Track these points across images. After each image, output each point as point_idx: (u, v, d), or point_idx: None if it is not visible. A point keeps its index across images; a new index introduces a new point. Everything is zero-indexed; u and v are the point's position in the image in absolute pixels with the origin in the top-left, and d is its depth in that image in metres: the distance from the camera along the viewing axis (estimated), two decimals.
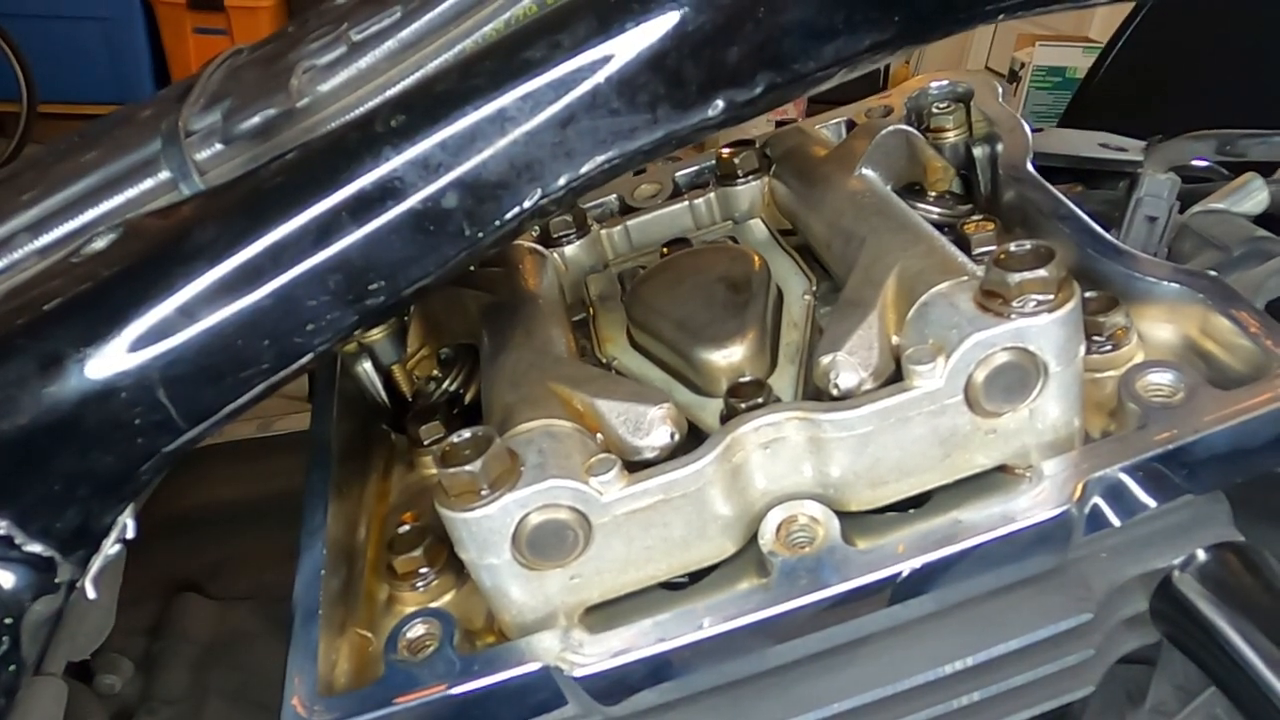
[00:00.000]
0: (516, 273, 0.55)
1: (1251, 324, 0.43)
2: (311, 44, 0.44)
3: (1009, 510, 0.39)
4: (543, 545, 0.38)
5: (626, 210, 0.63)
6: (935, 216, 0.54)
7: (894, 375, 0.40)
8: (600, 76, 0.36)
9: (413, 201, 0.36)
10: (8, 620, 0.37)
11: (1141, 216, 0.58)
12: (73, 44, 3.13)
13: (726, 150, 0.60)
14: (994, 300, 0.37)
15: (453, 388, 0.56)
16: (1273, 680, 0.40)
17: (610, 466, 0.38)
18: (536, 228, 0.59)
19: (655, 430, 0.41)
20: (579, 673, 0.39)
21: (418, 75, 0.40)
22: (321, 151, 0.38)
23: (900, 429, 0.38)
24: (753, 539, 0.40)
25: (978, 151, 0.53)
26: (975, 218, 0.52)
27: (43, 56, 2.98)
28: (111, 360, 0.36)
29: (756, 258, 0.51)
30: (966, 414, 0.38)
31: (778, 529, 0.40)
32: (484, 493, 0.38)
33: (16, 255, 0.42)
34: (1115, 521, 0.41)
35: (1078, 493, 0.39)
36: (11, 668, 0.38)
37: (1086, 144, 0.79)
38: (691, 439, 0.41)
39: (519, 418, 0.41)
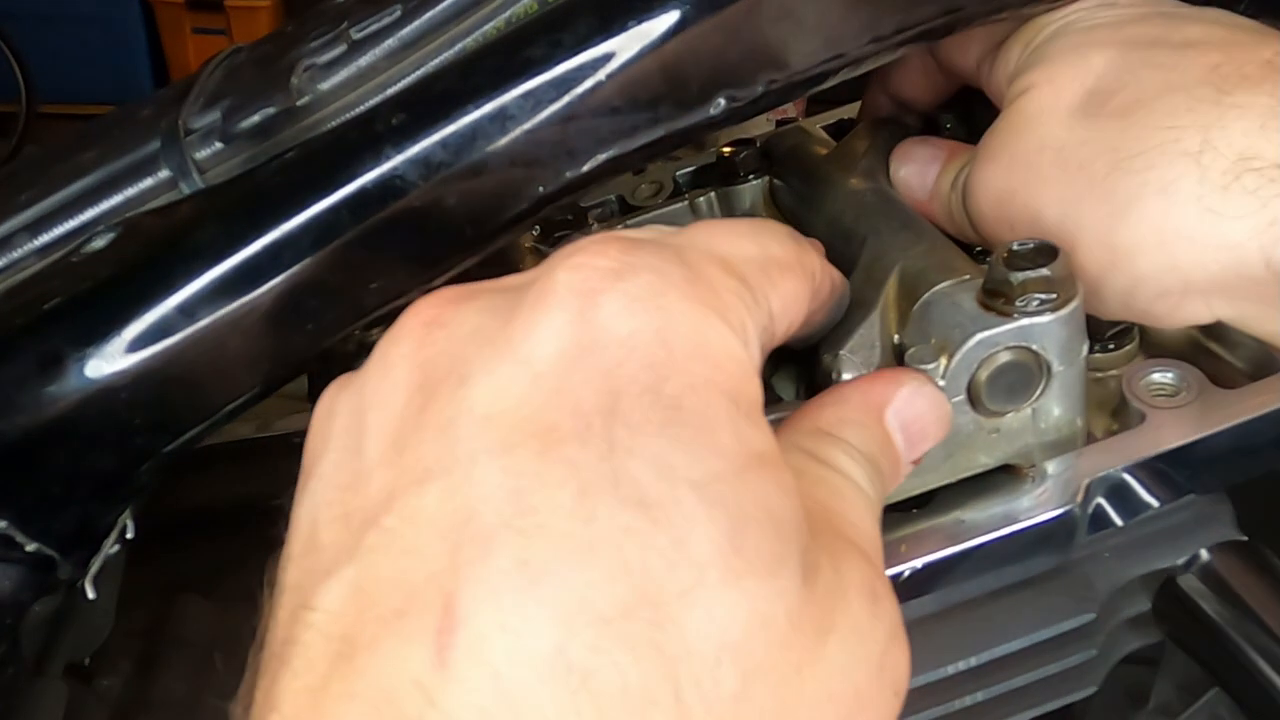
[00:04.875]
0: (516, 272, 0.55)
1: None
2: (311, 42, 0.44)
3: (1012, 510, 0.39)
4: None
5: (627, 209, 0.63)
6: None
7: None
8: (601, 75, 0.36)
9: (413, 200, 0.36)
10: (7, 621, 0.37)
11: None
12: (71, 44, 3.13)
13: (727, 149, 0.60)
14: (997, 299, 0.37)
15: None
16: (1276, 680, 0.40)
17: None
18: (536, 227, 0.59)
19: None
20: None
21: (418, 74, 0.40)
22: (322, 150, 0.38)
23: None
24: None
25: None
26: None
27: (41, 56, 2.97)
28: (111, 359, 0.36)
29: None
30: (969, 413, 0.38)
31: None
32: None
33: (15, 255, 0.42)
34: (1118, 521, 0.41)
35: (1081, 492, 0.39)
36: (11, 668, 0.38)
37: None
38: None
39: None
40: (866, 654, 0.26)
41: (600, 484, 0.23)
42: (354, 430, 0.27)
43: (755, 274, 0.29)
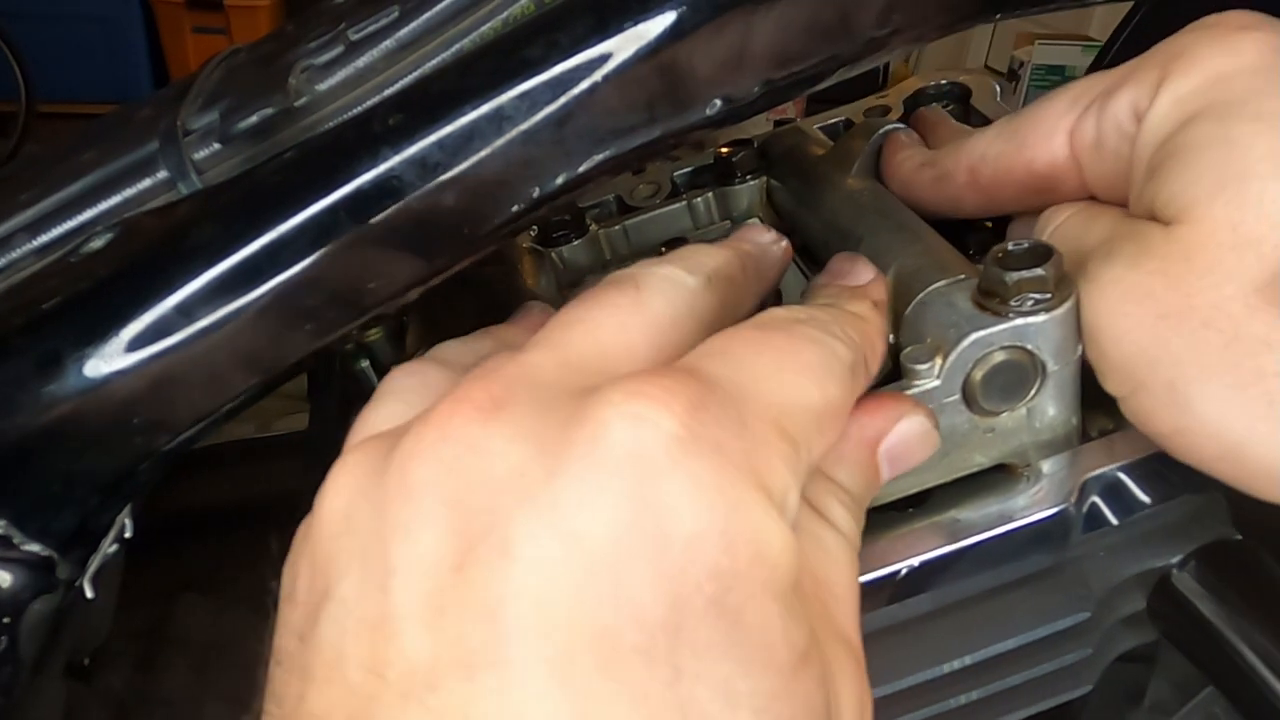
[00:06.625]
0: (515, 272, 0.55)
1: None
2: (309, 43, 0.44)
3: (1007, 509, 0.39)
4: None
5: (625, 210, 0.63)
6: None
7: (892, 374, 0.40)
8: (598, 75, 0.36)
9: (410, 200, 0.36)
10: (6, 620, 0.37)
11: None
12: (71, 43, 3.13)
13: (725, 150, 0.60)
14: (991, 299, 0.37)
15: None
16: (1270, 679, 0.40)
17: None
18: (534, 227, 0.59)
19: None
20: None
21: (415, 74, 0.40)
22: (319, 151, 0.38)
23: None
24: None
25: None
26: None
27: (41, 56, 2.97)
28: (110, 359, 0.36)
29: None
30: (964, 413, 0.38)
31: None
32: None
33: (14, 255, 0.42)
34: (1113, 520, 0.41)
35: (1076, 491, 0.39)
36: (9, 667, 0.38)
37: None
38: None
39: None
40: None
41: (667, 714, 0.22)
42: (376, 558, 0.24)
43: (809, 430, 0.28)
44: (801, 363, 0.29)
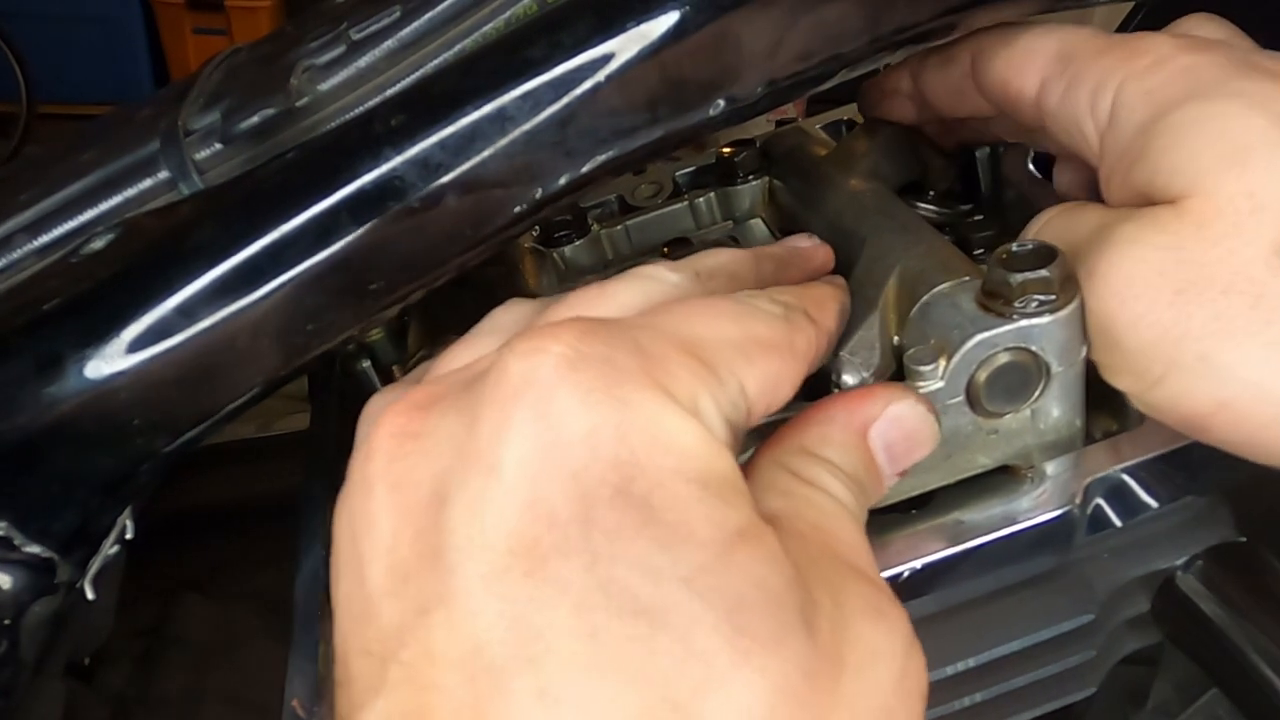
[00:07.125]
0: (517, 273, 0.55)
1: None
2: (311, 43, 0.44)
3: (1011, 511, 0.39)
4: None
5: (627, 210, 0.63)
6: (936, 216, 0.54)
7: (896, 375, 0.40)
8: (600, 75, 0.36)
9: (412, 201, 0.36)
10: (6, 621, 0.37)
11: None
12: (72, 44, 3.12)
13: (727, 150, 0.60)
14: (996, 301, 0.37)
15: None
16: (1274, 680, 0.40)
17: None
18: (536, 228, 0.59)
19: None
20: None
21: (417, 75, 0.40)
22: (321, 151, 0.38)
23: None
24: None
25: (979, 151, 0.53)
26: (976, 218, 0.52)
27: (41, 56, 2.97)
28: (111, 360, 0.36)
29: None
30: (968, 414, 0.38)
31: None
32: None
33: (15, 255, 0.42)
34: (1117, 522, 0.41)
35: (1080, 493, 0.39)
36: (10, 669, 0.38)
37: None
38: None
39: None
40: (886, 672, 0.27)
41: (593, 597, 0.23)
42: (354, 559, 0.27)
43: (725, 354, 0.28)
44: (717, 311, 0.30)
